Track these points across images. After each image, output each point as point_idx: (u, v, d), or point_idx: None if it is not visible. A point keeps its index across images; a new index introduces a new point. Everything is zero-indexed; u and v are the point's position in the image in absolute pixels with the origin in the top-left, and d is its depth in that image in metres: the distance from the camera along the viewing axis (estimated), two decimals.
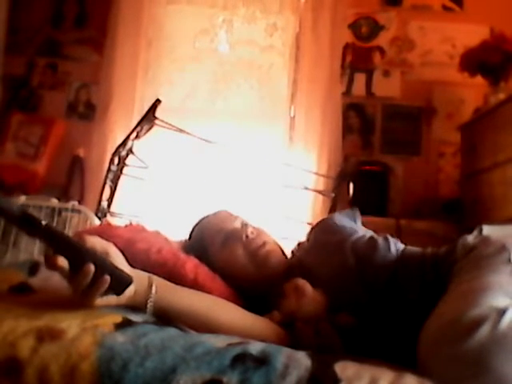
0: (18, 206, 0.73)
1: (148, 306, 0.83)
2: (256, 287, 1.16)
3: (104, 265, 0.77)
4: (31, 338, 0.70)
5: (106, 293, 0.78)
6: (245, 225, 1.23)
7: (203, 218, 1.31)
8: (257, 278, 1.17)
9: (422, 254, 1.08)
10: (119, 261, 0.82)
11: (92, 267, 0.75)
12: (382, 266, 1.03)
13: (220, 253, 1.19)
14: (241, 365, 0.69)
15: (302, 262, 1.18)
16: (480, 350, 0.66)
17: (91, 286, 0.76)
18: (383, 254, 1.06)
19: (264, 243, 1.20)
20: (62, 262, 0.74)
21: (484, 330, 0.68)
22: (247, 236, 1.19)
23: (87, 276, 0.75)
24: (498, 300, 0.73)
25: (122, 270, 0.80)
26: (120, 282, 0.79)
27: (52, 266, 0.75)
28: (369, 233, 1.18)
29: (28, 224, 0.73)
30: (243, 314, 0.98)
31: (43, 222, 0.74)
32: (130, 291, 0.81)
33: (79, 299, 0.78)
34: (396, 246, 1.10)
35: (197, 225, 1.31)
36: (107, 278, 0.76)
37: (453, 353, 0.68)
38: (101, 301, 0.78)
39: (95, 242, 0.80)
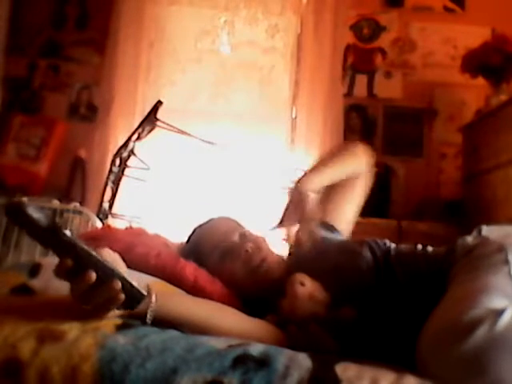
0: (47, 217, 0.70)
1: (148, 314, 0.83)
2: (255, 294, 1.16)
3: (123, 281, 0.76)
4: (32, 340, 0.70)
5: (119, 307, 0.77)
6: (243, 236, 1.21)
7: (202, 225, 1.29)
8: (256, 291, 1.16)
9: (413, 249, 1.11)
10: (124, 270, 0.81)
11: (119, 284, 0.74)
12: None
13: (218, 268, 1.17)
14: (242, 366, 0.69)
15: (301, 258, 1.18)
16: (477, 351, 0.67)
17: (108, 301, 0.75)
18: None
19: (263, 259, 1.17)
20: (92, 276, 0.73)
21: (481, 332, 0.68)
22: (246, 250, 1.17)
23: (112, 291, 0.74)
24: (496, 301, 0.74)
25: (135, 287, 0.79)
26: (133, 298, 0.78)
27: (83, 279, 0.73)
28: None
29: (52, 236, 0.71)
30: (242, 318, 0.98)
31: (68, 234, 0.72)
32: None
33: (92, 311, 0.76)
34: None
35: (195, 230, 1.29)
36: (122, 296, 0.75)
37: (451, 354, 0.69)
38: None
39: (105, 255, 0.79)
